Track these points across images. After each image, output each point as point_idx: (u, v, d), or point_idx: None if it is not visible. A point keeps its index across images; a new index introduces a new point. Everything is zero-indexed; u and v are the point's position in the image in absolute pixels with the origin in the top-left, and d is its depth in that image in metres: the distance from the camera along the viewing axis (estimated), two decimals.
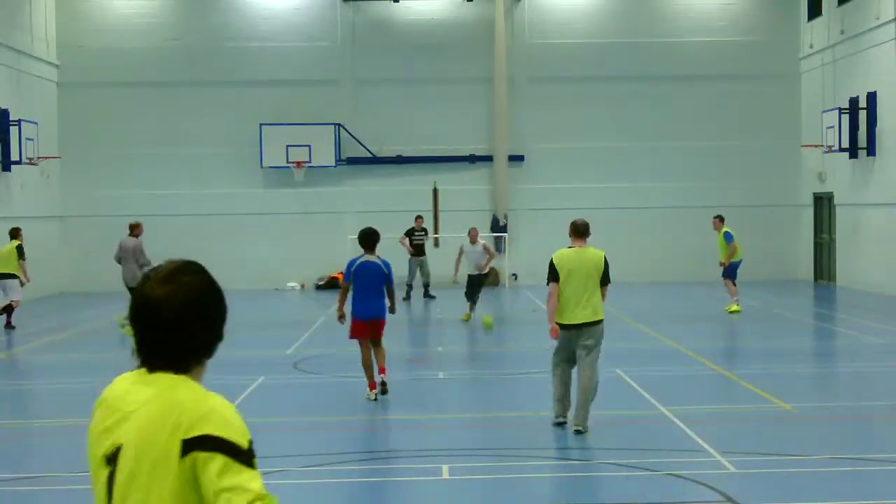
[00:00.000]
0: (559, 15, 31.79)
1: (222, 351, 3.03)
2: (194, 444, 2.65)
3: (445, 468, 9.65)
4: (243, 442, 2.69)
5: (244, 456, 2.67)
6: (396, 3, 31.42)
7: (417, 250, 27.07)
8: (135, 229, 20.28)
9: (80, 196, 31.07)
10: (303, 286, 31.38)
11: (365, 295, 12.76)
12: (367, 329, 12.82)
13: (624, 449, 10.23)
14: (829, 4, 29.60)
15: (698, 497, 8.52)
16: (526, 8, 31.74)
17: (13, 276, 20.90)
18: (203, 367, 2.87)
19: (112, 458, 2.74)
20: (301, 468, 9.75)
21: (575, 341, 10.96)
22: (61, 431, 11.67)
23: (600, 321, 10.90)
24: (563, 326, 10.92)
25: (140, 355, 2.84)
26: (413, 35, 31.58)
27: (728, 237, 22.06)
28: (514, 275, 31.17)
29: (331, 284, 30.97)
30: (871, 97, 27.01)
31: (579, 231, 11.04)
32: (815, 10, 30.65)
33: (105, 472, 2.76)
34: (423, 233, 27.41)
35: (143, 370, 2.83)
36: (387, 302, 13.05)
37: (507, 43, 31.29)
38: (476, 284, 21.44)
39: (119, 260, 20.20)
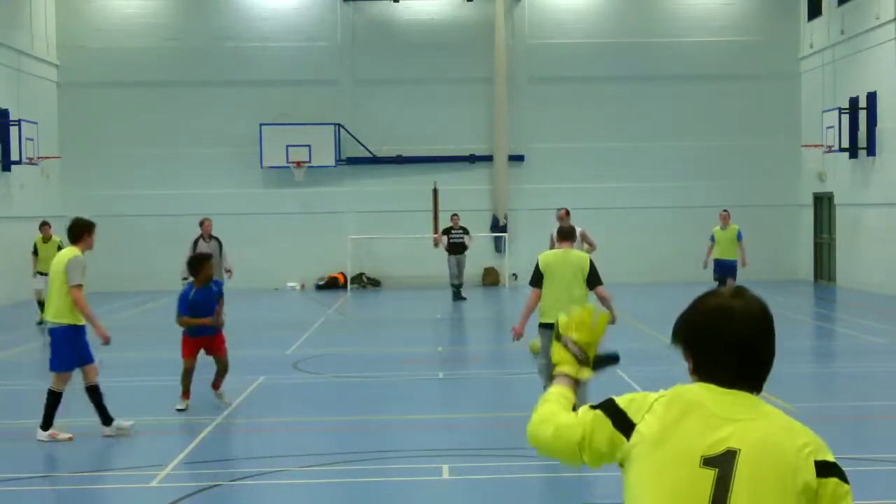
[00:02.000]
0: (559, 15, 31.79)
1: None
2: (828, 470, 2.78)
3: (445, 468, 9.65)
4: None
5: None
6: (396, 3, 31.42)
7: (455, 248, 26.89)
8: (207, 226, 19.18)
9: (80, 196, 31.04)
10: (303, 286, 31.38)
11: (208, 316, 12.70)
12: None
13: None
14: (829, 4, 29.60)
15: None
16: (526, 8, 31.74)
17: None
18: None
19: (716, 461, 2.76)
20: (301, 468, 9.75)
21: None
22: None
23: None
24: (549, 326, 10.63)
25: (715, 372, 2.88)
26: (413, 35, 31.58)
27: (740, 235, 21.51)
28: (514, 275, 31.17)
29: (331, 284, 31.01)
30: (871, 97, 27.02)
31: (563, 234, 11.32)
32: (815, 10, 30.64)
33: (709, 474, 2.76)
34: (460, 231, 27.13)
35: (717, 386, 2.87)
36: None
37: (507, 43, 31.30)
38: None
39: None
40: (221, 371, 12.64)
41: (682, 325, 2.99)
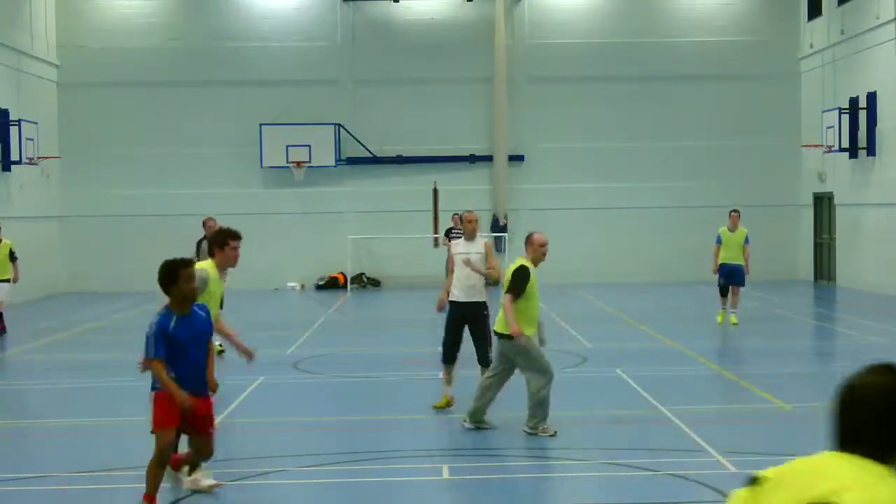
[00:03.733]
0: (559, 15, 31.79)
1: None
2: None
3: (445, 468, 9.65)
4: None
5: None
6: (396, 3, 31.42)
7: None
8: (210, 227, 16.78)
9: (79, 196, 31.06)
10: (303, 286, 31.38)
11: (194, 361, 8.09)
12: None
13: (624, 449, 10.23)
14: (829, 4, 29.59)
15: (698, 497, 8.52)
16: (526, 8, 31.74)
17: (6, 280, 19.67)
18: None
19: None
20: (301, 468, 9.75)
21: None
22: (61, 431, 11.68)
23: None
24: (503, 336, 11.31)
25: (840, 439, 3.01)
26: (413, 35, 31.59)
27: (747, 239, 20.05)
28: None
29: (331, 284, 30.99)
30: (871, 97, 27.02)
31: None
32: (815, 10, 30.64)
33: None
34: (461, 231, 26.79)
35: (840, 453, 2.97)
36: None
37: (507, 43, 31.29)
38: None
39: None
40: (202, 454, 8.39)
41: None
